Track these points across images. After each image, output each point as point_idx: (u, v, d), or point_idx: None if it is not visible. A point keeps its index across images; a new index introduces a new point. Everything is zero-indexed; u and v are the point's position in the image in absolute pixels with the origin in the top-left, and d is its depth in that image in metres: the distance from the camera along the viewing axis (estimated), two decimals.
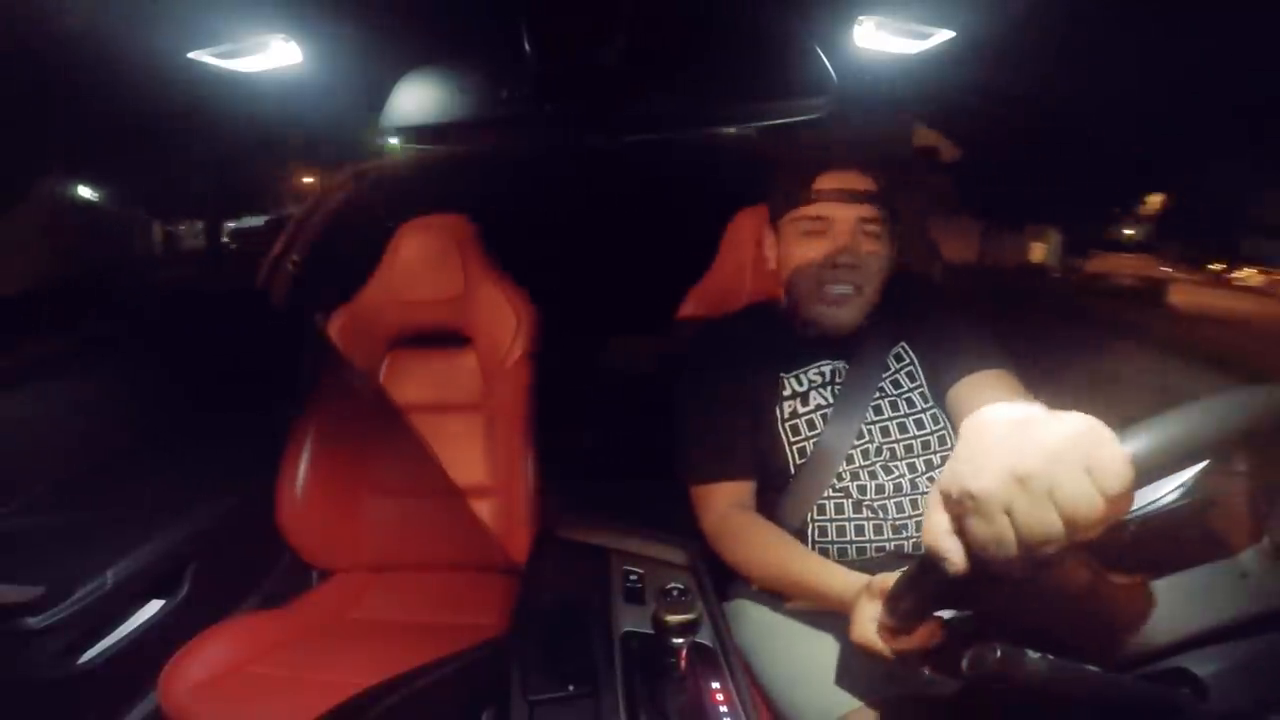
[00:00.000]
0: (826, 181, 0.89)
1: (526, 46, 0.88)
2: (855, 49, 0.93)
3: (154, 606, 1.12)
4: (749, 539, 0.87)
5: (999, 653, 0.43)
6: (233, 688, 1.04)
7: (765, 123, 1.04)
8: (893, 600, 0.52)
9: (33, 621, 0.94)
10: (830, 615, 0.82)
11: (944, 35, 0.87)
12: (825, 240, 0.90)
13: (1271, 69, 0.67)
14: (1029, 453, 0.37)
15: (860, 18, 0.87)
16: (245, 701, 1.03)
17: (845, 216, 0.88)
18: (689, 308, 1.28)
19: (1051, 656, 0.43)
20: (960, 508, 0.39)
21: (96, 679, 1.02)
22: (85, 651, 1.02)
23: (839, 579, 0.75)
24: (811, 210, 0.90)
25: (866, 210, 0.89)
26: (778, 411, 0.94)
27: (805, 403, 0.93)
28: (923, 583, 0.47)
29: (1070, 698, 0.45)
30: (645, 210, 2.15)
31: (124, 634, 1.06)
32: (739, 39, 0.96)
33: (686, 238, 1.40)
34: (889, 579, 0.59)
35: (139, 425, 1.23)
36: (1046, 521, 0.36)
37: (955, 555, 0.40)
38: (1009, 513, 0.37)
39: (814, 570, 0.79)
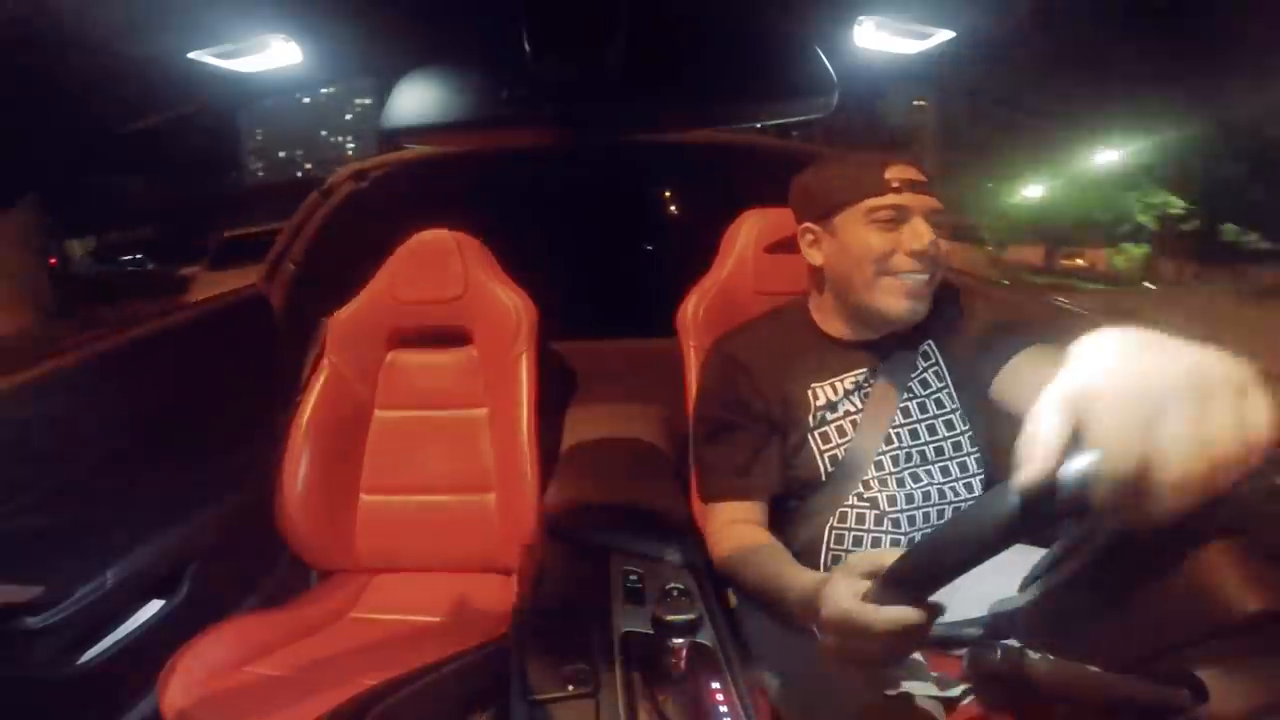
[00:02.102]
0: (899, 172, 0.87)
1: (526, 47, 0.88)
2: (855, 49, 0.93)
3: (154, 606, 1.12)
4: (737, 542, 0.87)
5: (999, 653, 0.43)
6: (233, 688, 1.04)
7: (765, 123, 1.04)
8: (906, 564, 0.50)
9: (33, 621, 0.94)
10: None
11: (944, 35, 0.87)
12: (902, 230, 0.86)
13: (1273, 73, 0.67)
14: (1203, 362, 0.34)
15: (860, 18, 0.87)
16: (245, 701, 1.03)
17: (921, 206, 0.86)
18: (690, 307, 1.28)
19: (1051, 657, 0.43)
20: (1088, 408, 0.35)
21: (96, 679, 1.02)
22: (85, 651, 1.02)
23: (806, 574, 0.73)
24: (887, 200, 0.86)
25: (934, 201, 0.87)
26: (809, 420, 0.91)
27: (834, 410, 0.91)
28: (965, 537, 0.44)
29: (1070, 698, 0.45)
30: (646, 210, 2.15)
31: (124, 634, 1.07)
32: (739, 39, 0.96)
33: (687, 237, 1.40)
34: (867, 556, 0.58)
35: (139, 426, 1.23)
36: (1232, 430, 0.32)
37: (1038, 465, 0.36)
38: (1156, 424, 0.33)
39: (782, 568, 0.77)
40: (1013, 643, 0.43)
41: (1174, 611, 0.44)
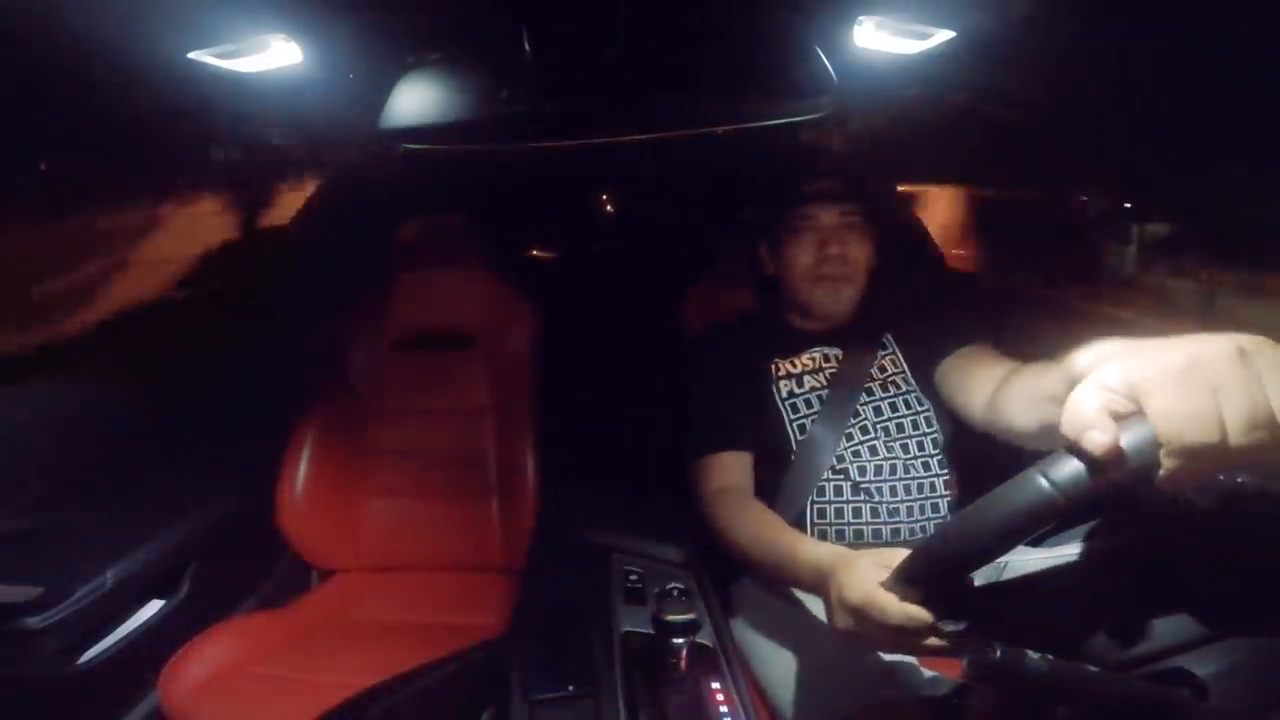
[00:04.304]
0: (818, 184, 1.00)
1: (526, 46, 0.88)
2: (855, 49, 0.93)
3: (154, 606, 1.12)
4: (736, 514, 0.88)
5: (999, 653, 0.43)
6: (233, 688, 1.04)
7: (765, 123, 1.04)
8: (920, 558, 0.50)
9: (33, 621, 0.94)
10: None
11: (944, 35, 0.86)
12: (815, 234, 0.99)
13: (1273, 72, 0.67)
14: (1238, 338, 0.36)
15: (860, 18, 0.87)
16: (245, 701, 1.03)
17: (831, 214, 0.99)
18: (690, 307, 1.28)
19: (1051, 656, 0.43)
20: (1146, 386, 0.36)
21: (96, 679, 1.02)
22: (85, 651, 1.01)
23: (822, 546, 0.73)
24: (801, 210, 1.00)
25: (847, 208, 0.99)
26: (775, 391, 1.00)
27: (800, 384, 1.00)
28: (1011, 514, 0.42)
29: (1070, 698, 0.45)
30: (647, 209, 2.15)
31: (124, 634, 1.06)
32: (739, 39, 0.96)
33: (688, 236, 1.40)
34: (891, 551, 0.58)
35: (139, 425, 1.23)
36: (1263, 404, 0.34)
37: (1104, 434, 0.37)
38: (1216, 392, 0.35)
39: (795, 538, 0.78)
40: (1020, 652, 0.43)
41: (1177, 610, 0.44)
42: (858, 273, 1.00)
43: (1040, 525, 0.42)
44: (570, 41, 0.90)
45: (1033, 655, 0.43)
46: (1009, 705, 0.52)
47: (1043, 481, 0.40)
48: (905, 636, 0.53)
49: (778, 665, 0.89)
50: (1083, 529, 0.52)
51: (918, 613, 0.52)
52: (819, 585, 0.66)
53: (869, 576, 0.57)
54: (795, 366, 1.01)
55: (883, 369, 1.00)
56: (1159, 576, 0.48)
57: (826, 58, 0.95)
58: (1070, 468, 0.40)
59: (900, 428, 0.96)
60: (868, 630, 0.56)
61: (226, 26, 0.77)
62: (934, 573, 0.50)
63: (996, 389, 0.77)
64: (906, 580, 0.52)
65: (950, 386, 0.92)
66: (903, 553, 0.55)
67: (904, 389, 0.98)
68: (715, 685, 0.68)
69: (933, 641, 0.53)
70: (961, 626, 0.51)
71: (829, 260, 0.98)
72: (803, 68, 0.96)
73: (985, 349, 0.92)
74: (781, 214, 1.02)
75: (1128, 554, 0.48)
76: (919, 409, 0.97)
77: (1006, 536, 0.43)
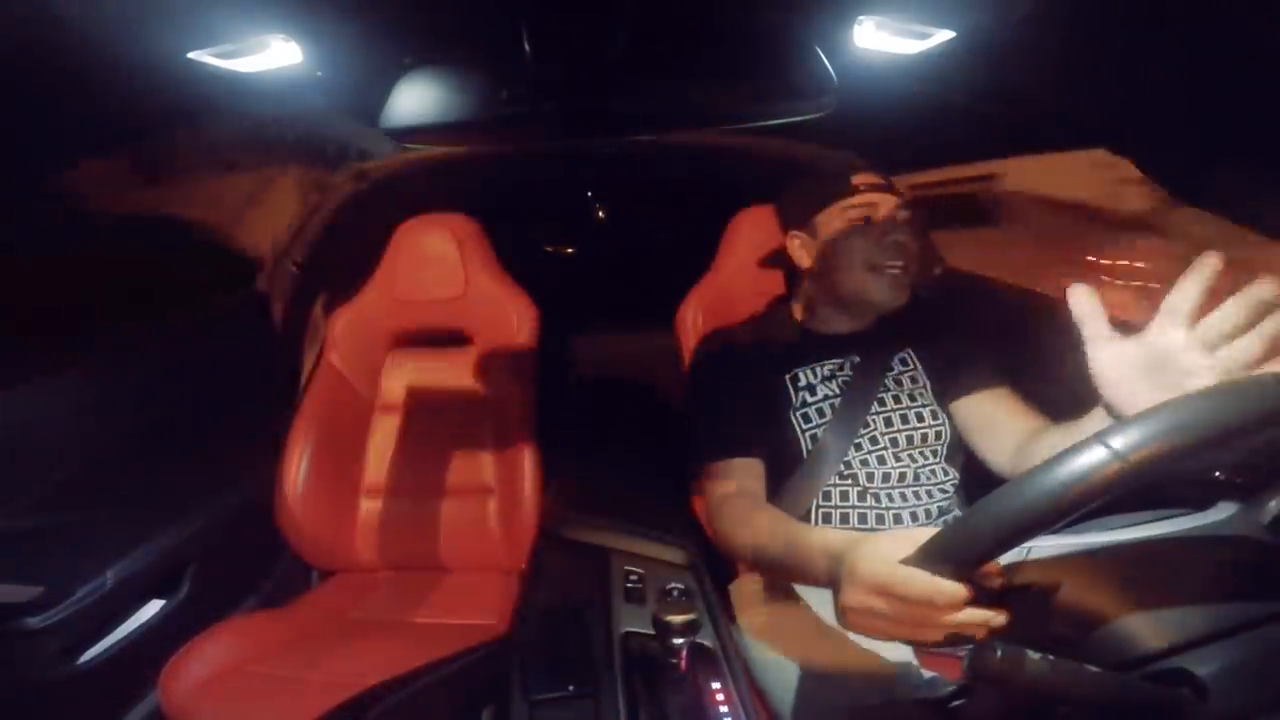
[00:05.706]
0: (862, 177, 0.99)
1: (526, 46, 0.88)
2: (855, 49, 0.93)
3: (154, 606, 1.12)
4: (744, 515, 0.85)
5: (999, 653, 0.43)
6: (233, 687, 1.04)
7: (765, 123, 1.04)
8: (953, 531, 0.47)
9: (33, 621, 0.94)
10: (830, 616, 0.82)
11: (944, 35, 0.86)
12: (873, 224, 0.96)
13: (1274, 72, 0.67)
14: None
15: (860, 18, 0.87)
16: (245, 701, 1.03)
17: (888, 204, 0.97)
18: (691, 307, 1.28)
19: (1052, 656, 0.43)
20: None
21: (96, 679, 1.02)
22: (85, 651, 1.02)
23: (836, 532, 0.69)
24: (858, 199, 0.97)
25: (897, 199, 0.98)
26: (791, 400, 0.98)
27: (814, 393, 0.99)
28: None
29: (1070, 698, 0.45)
30: (646, 210, 2.15)
31: (124, 634, 1.07)
32: (739, 39, 0.96)
33: (687, 237, 1.41)
34: (918, 530, 0.54)
35: (139, 425, 1.23)
36: None
37: None
38: None
39: (806, 528, 0.75)
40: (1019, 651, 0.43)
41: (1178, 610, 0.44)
42: (911, 266, 0.96)
43: (1101, 496, 0.40)
44: (571, 41, 0.90)
45: (1033, 655, 0.43)
46: (1009, 705, 0.52)
47: (1103, 449, 0.39)
48: (927, 612, 0.49)
49: (778, 665, 0.89)
50: (1098, 521, 0.52)
51: (950, 587, 0.47)
52: (831, 569, 0.60)
53: (891, 551, 0.52)
54: (813, 375, 1.00)
55: (898, 381, 0.99)
56: (1162, 574, 0.48)
57: (826, 58, 0.95)
58: (1136, 433, 0.38)
59: (910, 439, 0.95)
60: (891, 605, 0.51)
61: (226, 26, 0.76)
62: (974, 545, 0.46)
63: (1026, 441, 0.80)
64: (936, 555, 0.48)
65: (972, 430, 0.95)
66: (929, 531, 0.51)
67: (920, 402, 0.98)
68: (715, 685, 0.68)
69: (962, 616, 0.48)
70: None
71: (887, 249, 0.94)
72: (803, 68, 0.96)
73: (1010, 395, 0.94)
74: (821, 206, 0.99)
75: (1139, 548, 0.48)
76: (931, 422, 0.97)
77: (1063, 508, 0.40)
